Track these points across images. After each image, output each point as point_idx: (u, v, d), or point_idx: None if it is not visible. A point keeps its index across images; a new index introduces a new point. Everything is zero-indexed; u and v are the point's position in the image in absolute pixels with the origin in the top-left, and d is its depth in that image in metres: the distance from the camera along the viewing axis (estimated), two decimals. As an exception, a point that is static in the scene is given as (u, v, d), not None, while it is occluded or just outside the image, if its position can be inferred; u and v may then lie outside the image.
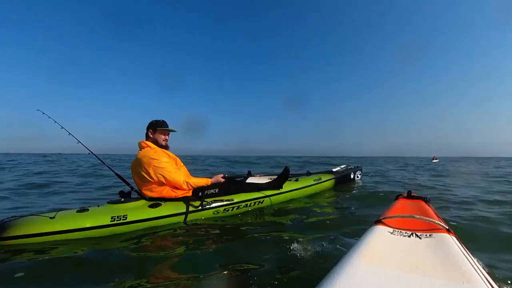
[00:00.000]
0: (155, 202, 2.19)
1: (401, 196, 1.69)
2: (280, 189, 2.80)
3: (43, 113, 2.68)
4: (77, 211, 1.98)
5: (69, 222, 1.85)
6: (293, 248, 1.59)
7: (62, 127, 2.68)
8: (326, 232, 1.90)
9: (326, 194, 3.39)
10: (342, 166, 4.15)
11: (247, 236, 1.93)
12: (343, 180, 3.92)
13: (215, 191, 2.40)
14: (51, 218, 1.84)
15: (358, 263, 0.74)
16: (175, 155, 2.44)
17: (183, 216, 2.18)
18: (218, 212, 2.35)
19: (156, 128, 2.35)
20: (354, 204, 2.86)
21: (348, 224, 2.15)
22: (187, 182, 2.27)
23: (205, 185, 2.38)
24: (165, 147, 2.40)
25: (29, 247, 1.69)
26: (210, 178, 2.49)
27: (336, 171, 3.92)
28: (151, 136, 2.35)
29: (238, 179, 2.64)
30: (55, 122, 2.66)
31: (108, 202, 2.16)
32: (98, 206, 2.15)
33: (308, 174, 3.50)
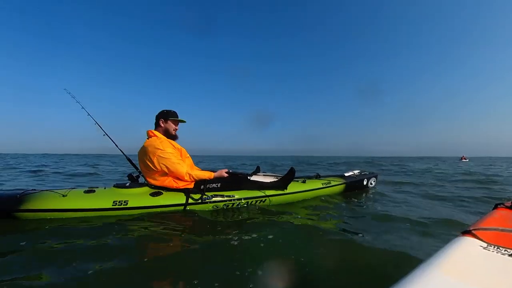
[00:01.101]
0: (157, 190, 2.24)
1: (501, 205, 1.36)
2: (285, 190, 2.72)
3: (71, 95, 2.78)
4: (84, 191, 2.09)
5: (77, 201, 1.97)
6: (287, 251, 1.55)
7: (83, 107, 2.77)
8: (324, 238, 1.83)
9: (333, 199, 3.25)
10: (356, 171, 3.95)
11: (243, 235, 1.89)
12: (354, 186, 3.74)
13: (217, 185, 2.40)
14: (63, 195, 1.96)
15: (436, 275, 0.62)
16: (181, 146, 2.46)
17: (182, 207, 2.21)
18: (218, 207, 2.35)
19: (168, 117, 2.40)
20: (361, 214, 2.70)
21: (348, 233, 2.05)
22: (189, 174, 2.28)
23: (207, 178, 2.38)
24: (174, 137, 2.45)
25: (41, 221, 1.87)
26: (214, 172, 2.48)
27: (348, 175, 3.75)
28: (162, 125, 2.40)
29: (242, 175, 2.61)
30: (82, 107, 2.76)
31: (114, 186, 2.24)
32: (105, 188, 2.25)
33: (318, 176, 3.37)
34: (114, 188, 2.22)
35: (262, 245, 1.69)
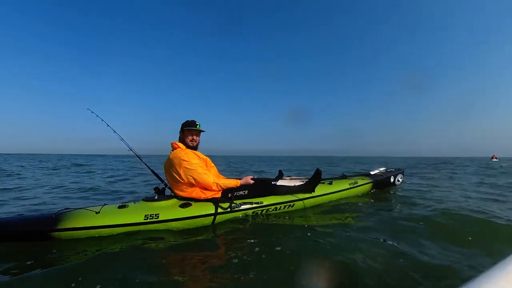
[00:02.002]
0: (186, 202, 2.23)
1: None
2: (312, 193, 2.65)
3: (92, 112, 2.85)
4: (118, 207, 2.12)
5: (111, 217, 1.99)
6: (324, 256, 1.49)
7: (108, 125, 2.83)
8: (365, 240, 1.76)
9: (362, 199, 3.14)
10: (382, 169, 3.82)
11: (278, 242, 1.84)
12: (381, 184, 3.60)
13: (244, 192, 2.37)
14: (96, 212, 1.99)
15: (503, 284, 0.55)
16: (205, 156, 2.46)
17: (212, 218, 2.18)
18: (247, 215, 2.31)
19: (183, 128, 2.38)
20: (393, 215, 2.57)
21: (388, 232, 1.96)
22: (216, 183, 2.27)
23: (234, 186, 2.36)
24: (194, 148, 2.38)
25: (77, 240, 1.89)
26: (239, 179, 2.46)
27: (374, 174, 3.62)
28: (180, 136, 2.40)
29: (268, 181, 2.57)
30: (108, 125, 2.82)
31: (143, 199, 2.26)
32: (135, 203, 2.27)
33: (343, 177, 3.27)
34: (144, 202, 2.23)
35: (298, 251, 1.65)
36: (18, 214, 1.92)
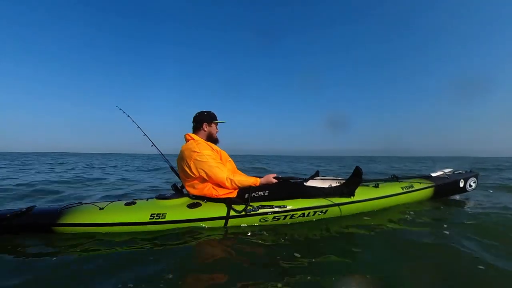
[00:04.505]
0: (195, 201, 1.96)
1: None
2: (351, 197, 2.12)
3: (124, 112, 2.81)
4: (125, 204, 1.97)
5: (115, 215, 1.84)
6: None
7: (138, 126, 2.76)
8: (421, 267, 1.22)
9: (418, 208, 2.45)
10: (447, 170, 3.00)
11: (301, 259, 1.42)
12: (447, 190, 2.82)
13: (264, 193, 1.97)
14: (100, 208, 1.86)
15: None
16: (220, 149, 2.14)
17: (223, 221, 1.85)
18: (266, 220, 1.91)
19: (212, 120, 2.16)
20: (467, 232, 1.88)
21: (456, 264, 1.36)
22: (230, 180, 1.92)
23: (252, 185, 1.99)
24: (216, 140, 2.19)
25: (77, 236, 1.76)
26: (260, 177, 2.07)
27: (437, 176, 2.85)
28: (205, 129, 2.15)
29: (295, 181, 2.12)
30: (133, 121, 2.76)
31: (156, 197, 2.06)
32: (147, 200, 2.08)
33: (394, 178, 2.61)
34: (156, 199, 2.03)
35: (327, 274, 1.21)
36: (30, 206, 1.88)
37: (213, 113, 2.21)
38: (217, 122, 2.20)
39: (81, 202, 2.04)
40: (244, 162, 15.35)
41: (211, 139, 2.15)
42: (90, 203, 1.98)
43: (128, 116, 2.81)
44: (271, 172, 2.20)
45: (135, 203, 1.98)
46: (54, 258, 1.44)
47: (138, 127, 2.76)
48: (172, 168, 2.59)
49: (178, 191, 2.24)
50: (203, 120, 2.14)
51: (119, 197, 3.41)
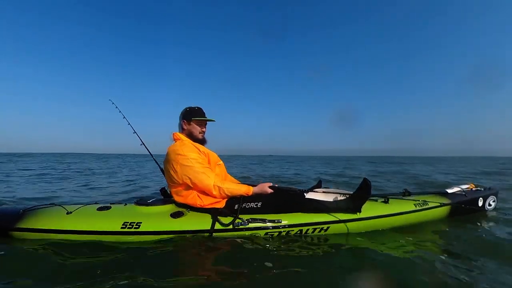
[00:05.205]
0: (180, 210, 1.71)
1: None
2: (358, 213, 1.85)
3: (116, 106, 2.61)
4: (97, 209, 1.73)
5: (82, 221, 1.62)
6: None
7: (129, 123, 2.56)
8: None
9: (432, 228, 2.17)
10: (464, 186, 2.70)
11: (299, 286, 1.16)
12: (464, 208, 2.52)
13: (256, 205, 1.71)
14: (68, 212, 1.64)
15: None
16: (210, 150, 1.88)
17: (207, 235, 1.60)
18: (257, 236, 1.65)
19: (191, 117, 1.85)
20: (483, 257, 1.59)
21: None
22: (218, 187, 1.67)
23: (244, 194, 1.73)
24: (202, 141, 1.89)
25: (34, 242, 1.53)
26: (254, 185, 1.82)
27: (453, 192, 2.56)
28: (185, 127, 1.87)
29: (294, 192, 1.86)
30: (124, 117, 2.56)
31: (135, 202, 1.82)
32: (125, 204, 1.84)
33: (406, 193, 2.32)
34: (134, 205, 1.79)
35: None
36: None
37: (197, 109, 1.89)
38: (199, 120, 1.86)
39: (53, 204, 1.82)
40: (246, 164, 15.08)
41: (193, 138, 1.86)
42: (60, 205, 1.75)
43: (120, 111, 2.60)
44: (268, 179, 1.94)
45: (110, 207, 1.75)
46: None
47: (129, 123, 2.55)
48: (162, 170, 2.36)
49: (167, 196, 2.00)
50: (182, 117, 1.88)
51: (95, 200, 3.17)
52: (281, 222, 1.66)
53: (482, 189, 2.77)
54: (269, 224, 1.64)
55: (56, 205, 1.77)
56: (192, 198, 1.70)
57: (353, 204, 1.84)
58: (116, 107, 2.64)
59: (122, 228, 1.55)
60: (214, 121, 1.92)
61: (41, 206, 1.72)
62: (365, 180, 1.84)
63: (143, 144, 2.50)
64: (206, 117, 1.89)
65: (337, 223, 1.78)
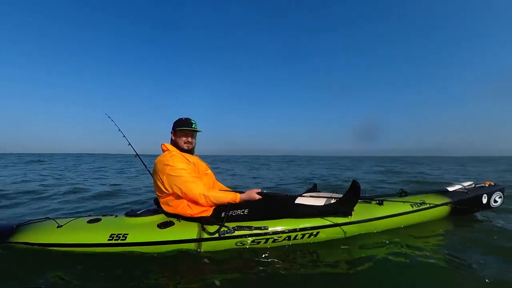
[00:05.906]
0: (168, 220, 1.73)
1: None
2: (349, 217, 1.81)
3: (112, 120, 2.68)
4: (88, 221, 1.78)
5: (71, 234, 1.67)
6: None
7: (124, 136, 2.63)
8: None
9: (431, 229, 2.09)
10: (466, 184, 2.60)
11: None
12: (466, 207, 2.43)
13: (243, 212, 1.71)
14: (58, 226, 1.69)
15: None
16: (200, 160, 1.91)
17: (196, 244, 1.60)
18: (244, 244, 1.64)
19: (175, 128, 1.88)
20: (491, 259, 1.52)
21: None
22: (205, 196, 1.67)
23: (231, 201, 1.72)
24: (189, 151, 1.90)
25: (25, 256, 1.57)
26: (241, 192, 1.81)
27: (454, 190, 2.47)
28: (172, 138, 1.91)
29: (282, 197, 1.84)
30: (119, 130, 2.64)
31: (125, 213, 1.85)
32: (115, 216, 1.88)
33: (402, 194, 2.25)
34: (124, 217, 1.81)
35: None
36: None
37: (184, 119, 1.88)
38: (182, 130, 1.85)
39: (47, 217, 1.87)
40: (249, 164, 15.02)
41: (179, 148, 1.86)
42: (53, 219, 1.80)
43: (116, 124, 2.68)
44: (260, 186, 1.93)
45: (100, 220, 1.79)
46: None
47: (124, 136, 2.61)
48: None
49: (160, 207, 2.03)
50: (171, 128, 1.91)
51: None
52: (268, 229, 1.65)
53: (486, 185, 2.66)
54: (255, 231, 1.63)
55: (50, 218, 1.82)
56: (182, 208, 1.71)
57: (343, 207, 1.80)
58: (112, 120, 2.72)
59: (109, 240, 1.57)
60: (200, 131, 1.93)
61: (35, 220, 1.78)
62: (354, 182, 1.81)
63: (138, 155, 2.56)
64: (192, 128, 1.88)
65: (327, 228, 1.75)
